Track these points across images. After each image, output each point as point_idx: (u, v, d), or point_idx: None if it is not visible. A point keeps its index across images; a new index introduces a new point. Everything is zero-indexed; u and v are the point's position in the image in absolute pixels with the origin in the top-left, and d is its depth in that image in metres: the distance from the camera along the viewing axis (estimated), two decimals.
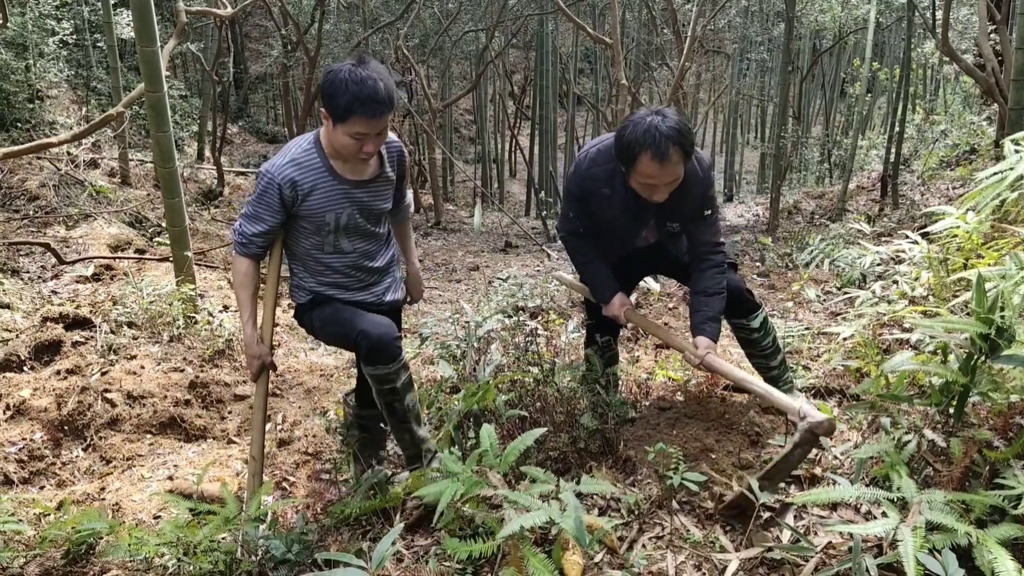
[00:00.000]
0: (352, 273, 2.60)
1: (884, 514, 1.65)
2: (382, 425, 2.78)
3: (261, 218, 2.44)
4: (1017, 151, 2.55)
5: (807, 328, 3.87)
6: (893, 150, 8.93)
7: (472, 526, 2.02)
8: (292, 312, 2.75)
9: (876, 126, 16.80)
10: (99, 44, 10.17)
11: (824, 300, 4.61)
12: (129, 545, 2.06)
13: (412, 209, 2.87)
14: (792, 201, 12.01)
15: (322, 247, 2.53)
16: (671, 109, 2.36)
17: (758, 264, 6.64)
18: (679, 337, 2.72)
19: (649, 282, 5.02)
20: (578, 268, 2.86)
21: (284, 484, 3.25)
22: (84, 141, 8.86)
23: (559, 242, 2.82)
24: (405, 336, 3.84)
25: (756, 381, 2.39)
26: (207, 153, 13.09)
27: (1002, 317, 1.80)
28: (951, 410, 1.99)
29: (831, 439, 2.48)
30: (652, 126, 2.25)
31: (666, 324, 4.64)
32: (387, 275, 2.72)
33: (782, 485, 2.21)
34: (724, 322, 2.74)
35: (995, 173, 2.52)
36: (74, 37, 10.11)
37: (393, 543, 1.93)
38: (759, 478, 2.06)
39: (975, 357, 1.86)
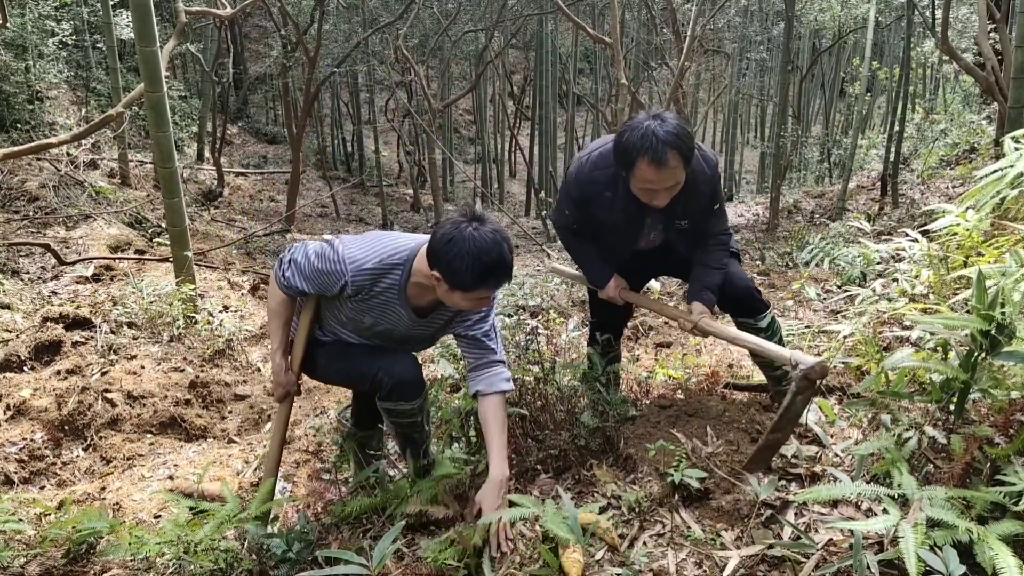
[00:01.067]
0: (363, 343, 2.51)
1: (885, 511, 1.65)
2: (380, 426, 2.78)
3: (310, 282, 2.26)
4: (1017, 149, 2.56)
5: (807, 326, 3.87)
6: (893, 149, 8.92)
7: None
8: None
9: (876, 125, 16.80)
10: (99, 45, 10.18)
11: (824, 298, 4.61)
12: (129, 544, 2.06)
13: (509, 385, 2.33)
14: (792, 200, 12.00)
15: (344, 325, 2.41)
16: (670, 113, 2.31)
17: (758, 263, 6.65)
18: (672, 307, 2.74)
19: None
20: (572, 255, 2.85)
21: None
22: (84, 142, 8.87)
23: (559, 242, 2.83)
24: None
25: (748, 337, 2.40)
26: (207, 153, 13.12)
27: (1002, 314, 1.80)
28: (952, 407, 1.99)
29: (831, 437, 2.49)
30: (649, 131, 2.20)
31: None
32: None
33: (783, 482, 2.21)
34: (730, 321, 2.73)
35: (995, 171, 2.52)
36: (74, 38, 10.12)
37: (394, 541, 1.93)
38: (770, 432, 2.12)
39: (975, 354, 1.86)
